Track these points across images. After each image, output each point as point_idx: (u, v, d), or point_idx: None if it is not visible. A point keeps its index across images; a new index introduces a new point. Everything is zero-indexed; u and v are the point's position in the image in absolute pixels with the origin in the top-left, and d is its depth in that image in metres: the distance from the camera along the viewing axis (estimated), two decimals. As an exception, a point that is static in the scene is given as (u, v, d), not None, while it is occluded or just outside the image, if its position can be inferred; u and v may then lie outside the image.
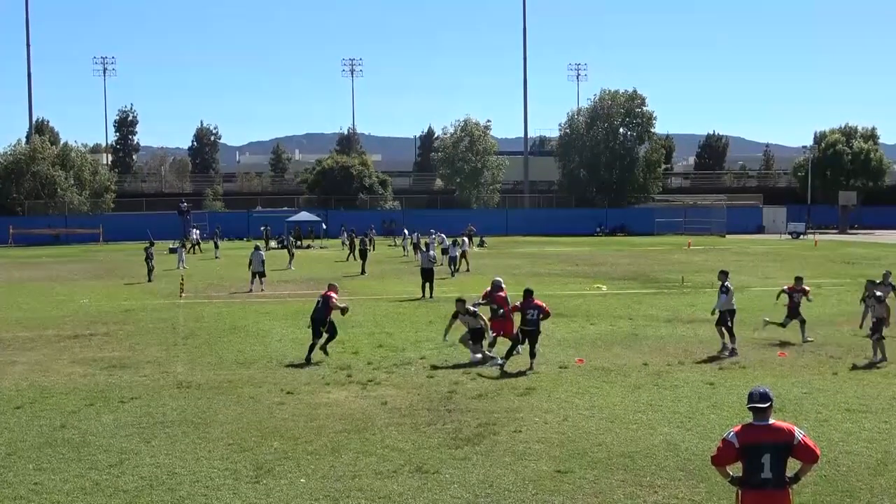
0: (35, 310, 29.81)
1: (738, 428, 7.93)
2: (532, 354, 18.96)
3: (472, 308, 19.93)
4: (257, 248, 36.87)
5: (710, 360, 19.78)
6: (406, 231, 60.51)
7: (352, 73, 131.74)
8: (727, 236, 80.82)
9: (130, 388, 17.32)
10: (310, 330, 20.48)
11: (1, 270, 47.79)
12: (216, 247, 59.64)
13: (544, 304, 19.43)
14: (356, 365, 19.35)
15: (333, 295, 20.76)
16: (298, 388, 17.14)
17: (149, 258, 40.67)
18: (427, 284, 32.26)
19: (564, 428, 14.04)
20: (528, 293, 19.38)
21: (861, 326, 21.19)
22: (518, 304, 19.49)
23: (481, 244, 67.38)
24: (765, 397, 7.83)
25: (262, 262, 36.07)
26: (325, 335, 20.43)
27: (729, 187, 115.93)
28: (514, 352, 19.40)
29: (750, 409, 7.86)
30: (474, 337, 19.86)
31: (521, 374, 18.35)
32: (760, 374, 17.93)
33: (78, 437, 13.79)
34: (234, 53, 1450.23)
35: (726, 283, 21.34)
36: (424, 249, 35.81)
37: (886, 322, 19.57)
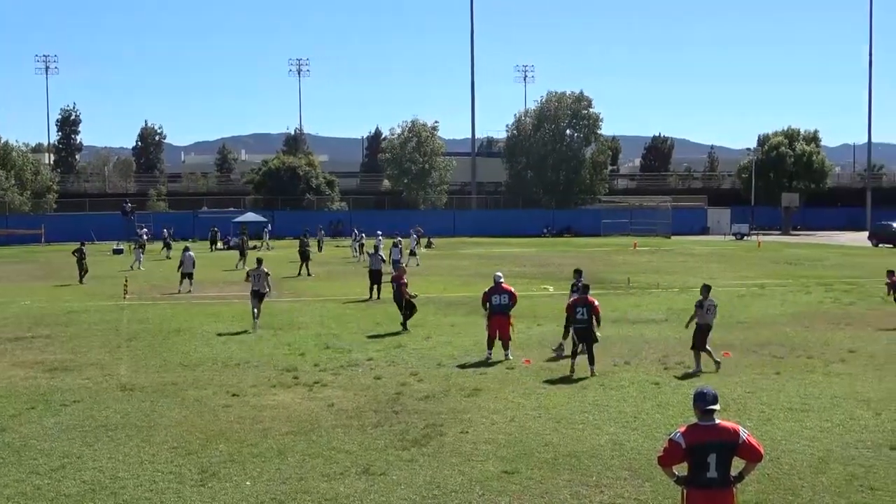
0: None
1: (683, 428, 8.00)
2: (590, 360, 18.45)
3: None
4: (187, 249, 36.70)
5: (656, 360, 19.94)
6: (356, 231, 60.33)
7: (299, 74, 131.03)
8: (672, 237, 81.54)
9: (73, 391, 17.09)
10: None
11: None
12: (168, 247, 58.85)
13: (596, 302, 19.12)
14: (302, 367, 19.25)
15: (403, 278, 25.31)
16: (244, 390, 17.01)
17: (81, 259, 40.11)
18: (375, 286, 32.19)
19: (511, 428, 14.09)
20: (585, 288, 19.40)
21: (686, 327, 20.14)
22: (569, 301, 19.41)
23: (429, 245, 67.35)
24: (716, 398, 7.95)
25: (193, 263, 35.84)
26: (403, 312, 24.57)
27: (674, 189, 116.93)
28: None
29: (704, 411, 7.91)
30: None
31: (469, 375, 18.39)
32: (705, 375, 18.11)
33: (18, 441, 13.58)
34: (179, 52, 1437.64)
35: (579, 282, 21.40)
36: (373, 251, 35.66)
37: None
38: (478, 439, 13.48)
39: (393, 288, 25.67)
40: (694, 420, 8.03)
